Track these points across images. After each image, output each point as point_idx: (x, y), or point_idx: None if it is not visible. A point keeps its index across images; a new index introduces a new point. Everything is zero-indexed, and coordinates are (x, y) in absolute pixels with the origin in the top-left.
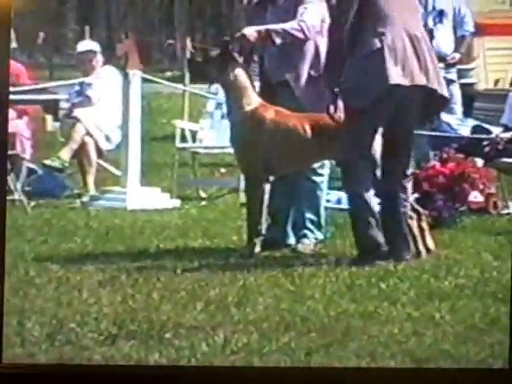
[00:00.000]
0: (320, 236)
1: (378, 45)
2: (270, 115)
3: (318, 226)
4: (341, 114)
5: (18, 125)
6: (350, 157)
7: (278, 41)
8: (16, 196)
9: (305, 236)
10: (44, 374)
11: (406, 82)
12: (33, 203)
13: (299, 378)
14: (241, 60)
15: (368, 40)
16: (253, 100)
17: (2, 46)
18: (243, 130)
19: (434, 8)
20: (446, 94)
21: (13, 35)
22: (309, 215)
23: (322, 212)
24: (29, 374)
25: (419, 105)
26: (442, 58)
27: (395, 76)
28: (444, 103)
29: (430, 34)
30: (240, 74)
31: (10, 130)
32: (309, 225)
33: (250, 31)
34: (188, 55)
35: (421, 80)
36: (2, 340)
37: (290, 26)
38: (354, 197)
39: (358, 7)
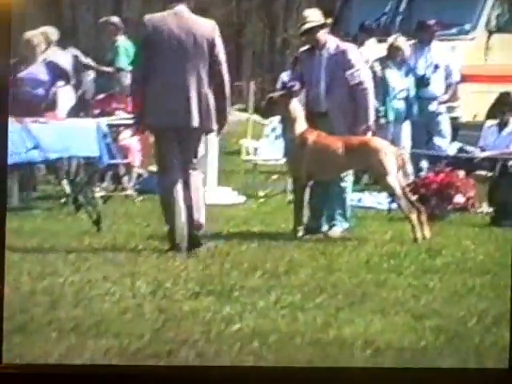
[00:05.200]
0: (346, 225)
1: None
2: (312, 137)
3: (345, 218)
4: None
5: (131, 141)
6: None
7: None
8: (129, 192)
9: (335, 225)
10: (44, 374)
11: None
12: (140, 197)
13: (300, 378)
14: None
15: None
16: (302, 126)
17: (3, 46)
18: (294, 148)
19: (431, 63)
20: None
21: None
22: (338, 210)
23: (348, 208)
24: (29, 374)
25: None
26: (435, 98)
27: None
28: None
29: (428, 81)
30: (296, 107)
31: (126, 144)
32: (337, 217)
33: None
34: (252, 94)
35: None
36: (2, 340)
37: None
38: None
39: None
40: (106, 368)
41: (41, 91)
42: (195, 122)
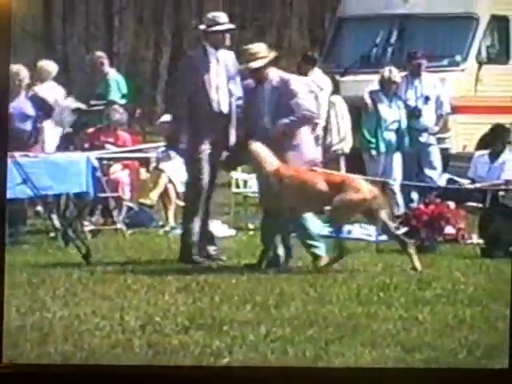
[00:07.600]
0: (323, 248)
1: None
2: (289, 173)
3: (317, 243)
4: None
5: (121, 175)
6: None
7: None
8: (118, 226)
9: (316, 254)
10: (44, 374)
11: None
12: (130, 231)
13: (299, 378)
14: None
15: None
16: (272, 163)
17: (3, 47)
18: (269, 185)
19: (421, 94)
20: None
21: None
22: (307, 240)
23: (313, 233)
24: (29, 374)
25: None
26: (425, 129)
27: None
28: None
29: (419, 112)
30: (257, 146)
31: (116, 177)
32: (313, 245)
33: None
34: None
35: None
36: (1, 340)
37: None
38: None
39: None
40: (105, 368)
41: (27, 126)
42: None
